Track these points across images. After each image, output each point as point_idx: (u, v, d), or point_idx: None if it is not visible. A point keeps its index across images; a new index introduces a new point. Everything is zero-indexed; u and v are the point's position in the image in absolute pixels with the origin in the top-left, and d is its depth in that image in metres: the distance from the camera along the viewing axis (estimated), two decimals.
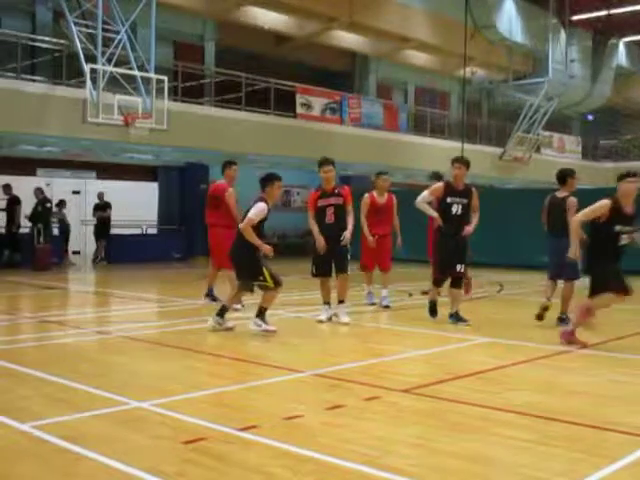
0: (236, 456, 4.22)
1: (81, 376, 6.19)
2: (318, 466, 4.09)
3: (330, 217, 9.61)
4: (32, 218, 18.51)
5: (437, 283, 9.83)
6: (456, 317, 9.53)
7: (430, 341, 8.45)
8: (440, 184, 9.71)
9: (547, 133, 35.80)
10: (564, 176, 9.96)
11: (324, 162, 9.75)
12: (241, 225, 8.54)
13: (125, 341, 8.21)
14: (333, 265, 9.66)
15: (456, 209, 9.43)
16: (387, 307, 11.20)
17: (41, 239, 18.19)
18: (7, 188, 18.65)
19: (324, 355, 7.51)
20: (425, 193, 9.61)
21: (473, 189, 9.65)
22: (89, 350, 7.86)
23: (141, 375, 6.49)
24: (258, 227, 8.56)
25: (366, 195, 11.46)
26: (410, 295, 13.00)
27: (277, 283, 8.54)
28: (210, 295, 11.46)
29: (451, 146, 27.74)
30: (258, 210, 8.55)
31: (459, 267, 9.47)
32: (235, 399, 5.60)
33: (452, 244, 9.43)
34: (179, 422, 4.89)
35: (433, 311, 9.83)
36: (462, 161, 9.60)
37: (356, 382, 6.17)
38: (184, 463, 4.10)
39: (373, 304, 11.44)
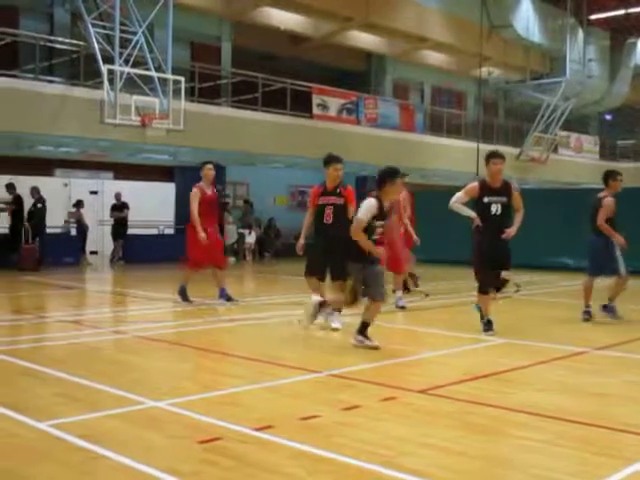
0: (252, 456, 4.23)
1: (98, 375, 6.22)
2: (334, 466, 4.09)
3: (328, 217, 9.12)
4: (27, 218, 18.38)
5: (484, 289, 8.77)
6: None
7: (446, 342, 8.43)
8: (475, 183, 8.86)
9: (564, 133, 35.64)
10: (606, 177, 10.12)
11: (335, 159, 9.29)
12: (351, 228, 7.67)
13: (141, 341, 8.25)
14: (328, 269, 9.11)
15: (495, 209, 8.62)
16: (403, 308, 11.01)
17: (29, 239, 17.97)
18: (10, 187, 18.45)
19: (340, 355, 7.50)
20: (460, 194, 8.84)
21: (513, 185, 8.92)
22: (106, 350, 7.90)
23: (157, 375, 6.52)
24: (367, 228, 7.61)
25: None
26: (426, 295, 12.97)
27: (353, 300, 7.92)
28: (223, 295, 11.45)
29: (467, 146, 27.70)
30: (366, 208, 7.57)
31: (502, 273, 8.70)
32: (251, 399, 5.61)
33: (493, 247, 8.57)
34: (195, 422, 4.90)
35: (489, 325, 8.78)
36: (501, 155, 8.75)
37: (372, 382, 6.16)
38: (200, 463, 4.11)
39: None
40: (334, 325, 8.94)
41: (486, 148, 26.44)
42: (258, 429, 4.71)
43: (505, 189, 8.72)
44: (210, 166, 11.40)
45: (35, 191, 18.70)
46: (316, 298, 8.58)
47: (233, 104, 22.58)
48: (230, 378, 6.36)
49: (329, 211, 9.11)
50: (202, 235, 10.96)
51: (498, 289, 8.98)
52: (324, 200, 9.20)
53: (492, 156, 8.72)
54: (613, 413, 5.30)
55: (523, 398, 5.68)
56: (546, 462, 4.20)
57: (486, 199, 8.62)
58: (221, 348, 7.87)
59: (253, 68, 23.36)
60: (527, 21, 32.57)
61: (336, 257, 8.42)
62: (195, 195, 11.23)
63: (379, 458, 4.19)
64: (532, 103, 34.59)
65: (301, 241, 9.40)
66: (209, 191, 11.37)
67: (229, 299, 11.36)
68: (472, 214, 8.76)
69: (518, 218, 8.80)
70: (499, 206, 8.62)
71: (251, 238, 24.22)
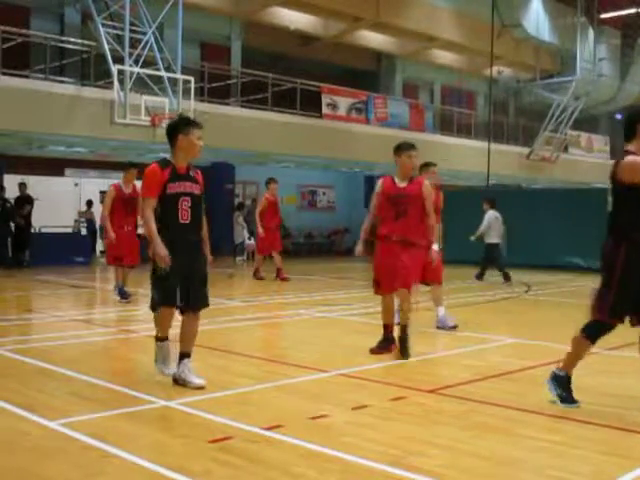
0: (262, 455, 4.24)
1: (109, 375, 6.25)
2: (343, 466, 4.09)
3: (185, 213, 5.93)
4: None
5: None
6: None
7: (456, 341, 8.41)
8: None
9: (575, 132, 35.51)
10: None
11: (193, 124, 6.09)
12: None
13: (151, 340, 8.25)
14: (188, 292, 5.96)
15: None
16: (454, 328, 9.10)
17: None
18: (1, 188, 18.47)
19: (350, 355, 7.49)
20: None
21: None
22: (117, 349, 7.93)
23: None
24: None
25: None
26: None
27: None
28: (119, 289, 11.85)
29: (478, 146, 27.64)
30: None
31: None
32: (261, 398, 5.61)
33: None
34: (205, 421, 4.91)
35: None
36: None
37: (382, 382, 6.16)
38: (210, 462, 4.12)
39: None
40: (196, 382, 5.90)
41: (496, 148, 26.57)
42: (268, 428, 4.71)
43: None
44: (134, 171, 11.76)
45: None
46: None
47: (243, 104, 22.61)
48: (240, 378, 6.37)
49: (186, 205, 5.95)
50: (112, 235, 11.39)
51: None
52: (178, 187, 5.94)
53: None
54: (628, 414, 5.28)
55: (534, 398, 5.67)
56: (558, 463, 4.19)
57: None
58: (231, 347, 7.88)
59: (263, 68, 23.39)
60: (537, 20, 32.47)
61: (199, 274, 6.05)
62: (109, 194, 11.65)
63: (388, 458, 4.19)
64: (542, 102, 34.48)
65: (162, 246, 5.80)
66: (127, 190, 11.71)
67: (124, 296, 11.73)
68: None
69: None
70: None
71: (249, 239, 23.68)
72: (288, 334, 9.22)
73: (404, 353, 7.21)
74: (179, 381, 5.92)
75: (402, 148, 7.47)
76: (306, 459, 4.18)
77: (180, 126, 5.99)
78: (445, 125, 29.89)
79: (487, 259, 15.99)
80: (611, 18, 35.31)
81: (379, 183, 7.57)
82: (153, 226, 5.84)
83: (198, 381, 5.90)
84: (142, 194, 5.95)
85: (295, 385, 6.09)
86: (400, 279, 7.22)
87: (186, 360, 6.02)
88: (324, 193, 29.21)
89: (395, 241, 7.26)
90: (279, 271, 15.61)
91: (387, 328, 7.54)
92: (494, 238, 15.80)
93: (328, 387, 6.07)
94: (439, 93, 33.79)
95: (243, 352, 7.61)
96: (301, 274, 17.38)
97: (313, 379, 6.35)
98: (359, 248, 7.56)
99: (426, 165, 9.18)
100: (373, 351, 7.38)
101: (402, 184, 7.40)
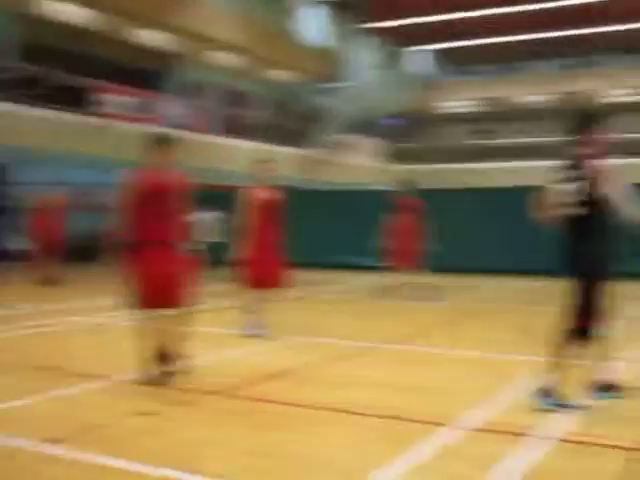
0: (40, 471, 4.05)
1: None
2: (126, 476, 4.00)
3: None
4: None
5: None
6: None
7: (240, 344, 8.45)
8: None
9: (347, 136, 37.04)
10: None
11: None
12: None
13: None
14: None
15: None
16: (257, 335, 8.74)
17: None
18: None
19: (132, 361, 7.31)
20: None
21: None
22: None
23: None
24: None
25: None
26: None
27: None
28: None
29: (257, 147, 28.08)
30: None
31: None
32: (36, 412, 5.34)
33: None
34: None
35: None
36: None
37: (169, 387, 6.05)
38: None
39: None
40: None
41: (275, 149, 27.07)
42: (47, 442, 4.50)
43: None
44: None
45: None
46: None
47: (9, 99, 21.29)
48: (11, 391, 5.98)
49: None
50: None
51: None
52: None
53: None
54: (390, 403, 5.58)
55: (315, 395, 5.83)
56: (342, 455, 4.36)
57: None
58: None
59: (35, 62, 22.22)
60: (313, 26, 33.56)
61: None
62: None
63: (174, 463, 4.15)
64: (318, 106, 35.68)
65: None
66: None
67: None
68: None
69: None
70: None
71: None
72: (64, 343, 8.78)
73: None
74: None
75: (158, 142, 6.51)
76: (85, 472, 4.04)
77: None
78: (226, 127, 30.03)
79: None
80: (381, 28, 37.30)
81: (128, 175, 6.24)
82: None
83: None
84: None
85: (74, 395, 5.85)
86: (180, 296, 6.19)
87: None
88: (99, 194, 28.21)
89: (166, 245, 6.11)
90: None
91: (167, 356, 6.31)
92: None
93: (111, 395, 5.88)
94: (218, 94, 33.85)
95: (14, 363, 7.19)
96: (83, 278, 16.77)
97: (94, 388, 6.12)
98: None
99: (258, 162, 9.02)
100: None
101: (162, 176, 6.26)
